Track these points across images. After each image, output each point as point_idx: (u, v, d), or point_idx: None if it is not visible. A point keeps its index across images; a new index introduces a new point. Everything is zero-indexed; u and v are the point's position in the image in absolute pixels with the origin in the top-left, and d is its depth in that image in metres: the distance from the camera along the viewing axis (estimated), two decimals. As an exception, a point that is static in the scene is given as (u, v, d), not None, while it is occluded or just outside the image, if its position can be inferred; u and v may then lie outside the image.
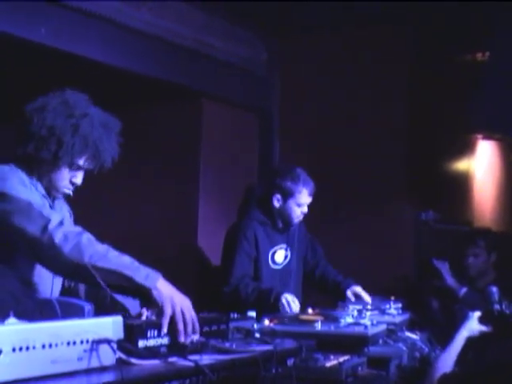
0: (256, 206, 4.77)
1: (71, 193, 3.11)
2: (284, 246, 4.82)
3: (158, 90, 5.98)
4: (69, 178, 3.03)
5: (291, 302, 4.37)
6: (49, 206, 3.05)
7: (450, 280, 5.31)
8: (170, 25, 5.48)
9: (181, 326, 2.54)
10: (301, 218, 4.77)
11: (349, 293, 4.80)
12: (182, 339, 2.52)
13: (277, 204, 4.69)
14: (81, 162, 2.98)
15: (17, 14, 4.41)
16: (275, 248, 4.78)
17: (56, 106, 2.95)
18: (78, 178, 3.05)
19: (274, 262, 4.77)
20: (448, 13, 5.86)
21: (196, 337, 2.60)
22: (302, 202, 4.69)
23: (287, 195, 4.66)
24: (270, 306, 4.30)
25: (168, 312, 2.53)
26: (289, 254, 4.84)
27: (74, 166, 2.99)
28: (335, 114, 6.55)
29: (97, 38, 5.01)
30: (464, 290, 5.14)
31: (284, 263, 4.83)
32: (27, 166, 3.01)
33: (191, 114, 6.23)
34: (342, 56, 6.57)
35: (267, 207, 4.74)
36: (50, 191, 3.07)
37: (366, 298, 4.74)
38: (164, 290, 2.61)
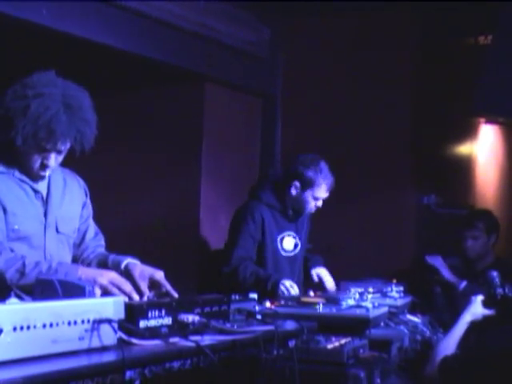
0: (269, 190, 4.73)
1: (46, 175, 3.08)
2: (293, 233, 4.79)
3: (161, 72, 5.96)
4: (40, 161, 3.00)
5: (290, 288, 4.37)
6: (31, 189, 3.08)
7: (448, 274, 5.27)
8: (172, 7, 5.45)
9: (117, 292, 2.77)
10: (313, 210, 4.74)
11: (313, 272, 4.82)
12: (134, 299, 2.77)
13: (293, 191, 4.64)
14: (38, 143, 2.93)
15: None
16: (283, 234, 4.75)
17: (15, 89, 2.94)
18: (50, 160, 3.00)
19: (283, 248, 4.76)
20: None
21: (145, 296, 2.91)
22: (318, 196, 4.64)
23: (306, 185, 4.60)
24: (267, 292, 4.29)
25: (98, 292, 2.72)
26: (298, 242, 4.83)
27: (37, 149, 2.95)
28: (338, 98, 6.53)
29: (99, 20, 4.98)
30: (463, 283, 5.11)
31: (295, 251, 4.81)
32: (7, 150, 3.02)
33: (193, 98, 6.21)
34: (346, 39, 6.54)
35: (281, 193, 4.70)
36: (30, 174, 3.07)
37: (329, 284, 4.78)
38: (86, 275, 2.83)
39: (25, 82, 2.96)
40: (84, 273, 2.88)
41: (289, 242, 4.78)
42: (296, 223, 4.83)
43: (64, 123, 2.90)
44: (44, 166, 3.02)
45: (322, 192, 4.64)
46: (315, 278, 4.82)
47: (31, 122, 2.87)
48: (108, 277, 2.85)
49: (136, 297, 2.82)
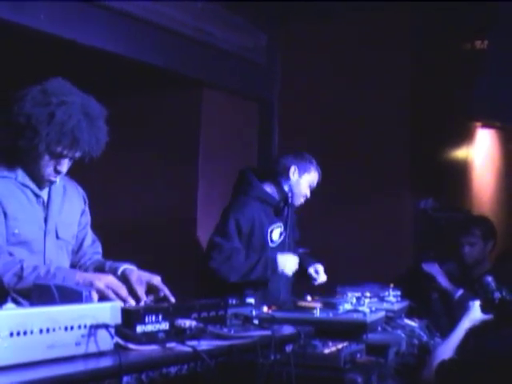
0: (257, 183, 4.77)
1: (56, 180, 3.12)
2: (280, 223, 4.82)
3: (158, 78, 5.96)
4: (53, 166, 3.04)
5: (286, 261, 4.52)
6: (32, 193, 3.09)
7: (445, 282, 5.26)
8: (170, 12, 5.46)
9: (113, 296, 2.78)
10: (302, 201, 4.81)
11: (311, 270, 4.81)
12: (127, 305, 2.74)
13: (293, 177, 4.73)
14: (59, 150, 2.98)
15: (16, 0, 4.39)
16: (273, 226, 4.78)
17: (35, 95, 2.96)
18: (63, 166, 3.05)
19: (271, 240, 4.78)
20: (447, 2, 5.85)
21: (142, 301, 2.91)
22: (312, 182, 4.77)
23: (303, 170, 4.74)
24: (265, 274, 4.39)
25: (95, 296, 2.69)
26: (284, 231, 4.85)
27: (54, 155, 2.99)
28: (336, 102, 6.53)
29: (96, 25, 4.98)
30: (460, 291, 5.10)
31: (279, 241, 4.83)
32: (10, 154, 3.05)
33: (191, 103, 6.22)
34: (344, 44, 6.55)
35: (275, 183, 4.77)
36: (37, 179, 3.09)
37: (322, 277, 4.78)
38: (84, 279, 2.84)
39: (43, 89, 2.99)
40: (82, 277, 2.88)
41: (276, 233, 4.81)
42: (283, 214, 4.85)
43: (85, 131, 2.97)
44: (56, 172, 3.06)
45: (314, 179, 4.79)
46: (314, 274, 4.82)
47: (56, 129, 2.92)
48: (105, 281, 2.86)
49: (132, 302, 2.82)
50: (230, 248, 4.56)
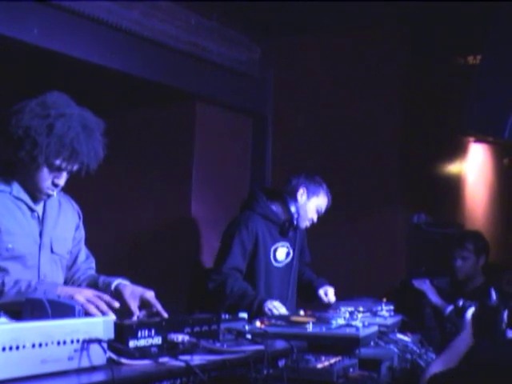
0: (264, 201, 4.80)
1: (54, 194, 3.12)
2: (286, 244, 4.84)
3: (151, 91, 5.98)
4: (51, 179, 3.04)
5: (278, 308, 4.38)
6: (27, 208, 3.09)
7: (435, 298, 5.27)
8: (163, 26, 5.47)
9: (94, 310, 2.76)
10: (308, 224, 4.83)
11: (321, 291, 4.84)
12: (105, 316, 2.72)
13: (300, 198, 4.74)
14: (58, 162, 2.99)
15: (9, 15, 4.40)
16: (277, 245, 4.79)
17: (33, 107, 2.97)
18: (61, 179, 3.06)
19: (275, 259, 4.78)
20: (440, 16, 5.87)
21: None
22: (320, 206, 4.79)
23: (312, 193, 4.76)
24: (251, 310, 4.29)
25: (78, 308, 2.66)
26: (291, 252, 4.85)
27: (53, 167, 3.00)
28: (329, 117, 6.55)
29: (90, 39, 5.00)
30: (449, 308, 5.10)
31: (286, 262, 4.83)
32: (6, 168, 3.06)
33: (184, 116, 6.23)
34: (338, 57, 6.57)
35: (280, 203, 4.79)
36: (34, 192, 3.09)
37: (331, 297, 4.79)
38: (65, 293, 2.83)
39: (41, 101, 3.00)
40: (63, 290, 2.87)
41: (281, 252, 4.81)
42: (289, 235, 4.85)
43: (84, 143, 2.98)
44: (54, 185, 3.06)
45: (323, 203, 4.81)
46: (323, 297, 4.83)
47: (55, 141, 2.92)
48: (85, 294, 2.84)
49: (112, 316, 2.79)
50: (226, 272, 4.58)
